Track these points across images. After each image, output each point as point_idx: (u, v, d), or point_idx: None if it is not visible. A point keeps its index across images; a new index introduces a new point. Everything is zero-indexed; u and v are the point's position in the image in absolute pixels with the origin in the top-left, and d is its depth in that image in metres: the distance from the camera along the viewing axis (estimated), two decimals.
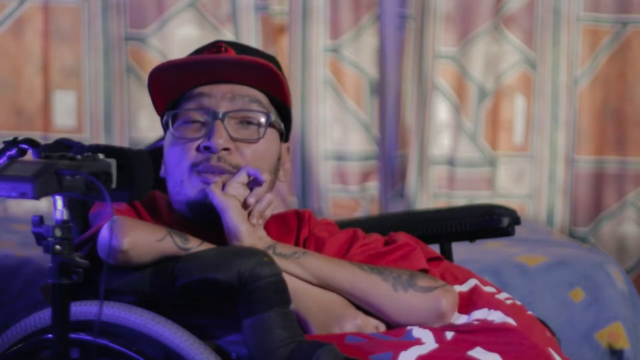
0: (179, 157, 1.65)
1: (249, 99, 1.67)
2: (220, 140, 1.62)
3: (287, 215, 1.79)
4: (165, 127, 1.70)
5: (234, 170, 1.63)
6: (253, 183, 1.63)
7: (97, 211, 1.69)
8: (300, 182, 3.69)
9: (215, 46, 1.71)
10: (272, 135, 1.69)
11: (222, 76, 1.67)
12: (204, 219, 1.64)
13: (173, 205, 1.68)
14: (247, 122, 1.66)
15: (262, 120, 1.67)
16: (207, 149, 1.63)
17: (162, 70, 1.66)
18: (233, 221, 1.59)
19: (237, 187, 1.61)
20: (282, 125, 1.72)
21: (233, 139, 1.64)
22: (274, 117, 1.69)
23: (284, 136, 1.74)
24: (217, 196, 1.59)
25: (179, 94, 1.69)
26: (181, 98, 1.69)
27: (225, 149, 1.63)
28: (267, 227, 1.70)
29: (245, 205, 1.61)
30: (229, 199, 1.59)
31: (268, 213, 1.64)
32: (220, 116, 1.64)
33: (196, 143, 1.64)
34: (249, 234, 1.59)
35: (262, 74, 1.67)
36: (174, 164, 1.66)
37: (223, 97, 1.66)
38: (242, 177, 1.62)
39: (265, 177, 1.62)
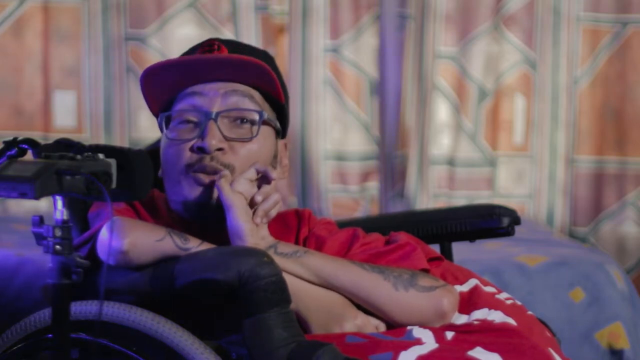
0: (174, 158, 1.65)
1: (242, 93, 1.67)
2: (213, 140, 1.62)
3: (286, 215, 1.79)
4: (160, 128, 1.70)
5: (228, 170, 1.63)
6: (261, 180, 1.63)
7: (97, 211, 1.69)
8: (300, 182, 3.69)
9: (208, 44, 1.71)
10: (266, 133, 1.68)
11: (213, 75, 1.67)
12: (199, 218, 1.64)
13: (170, 205, 1.68)
14: (240, 120, 1.66)
15: (255, 118, 1.66)
16: (201, 149, 1.62)
17: (153, 72, 1.66)
18: (237, 220, 1.59)
19: (244, 183, 1.61)
20: (277, 123, 1.72)
21: (227, 139, 1.64)
22: (267, 114, 1.68)
23: (280, 133, 1.74)
24: (225, 192, 1.59)
25: (172, 94, 1.69)
26: (175, 98, 1.69)
27: (219, 149, 1.63)
28: (267, 226, 1.70)
29: (251, 202, 1.61)
30: (236, 196, 1.59)
31: (273, 212, 1.63)
32: (213, 116, 1.64)
33: (190, 144, 1.64)
34: (251, 233, 1.59)
35: (253, 72, 1.66)
36: (169, 164, 1.66)
37: (215, 95, 1.65)
38: (251, 174, 1.62)
39: (275, 175, 1.62)
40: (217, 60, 1.66)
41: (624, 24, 3.75)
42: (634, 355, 2.84)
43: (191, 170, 1.63)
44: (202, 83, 1.67)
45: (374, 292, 1.60)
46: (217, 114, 1.64)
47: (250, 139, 1.65)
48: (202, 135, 1.63)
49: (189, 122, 1.66)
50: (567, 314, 2.83)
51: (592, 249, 3.44)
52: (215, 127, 1.63)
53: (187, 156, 1.64)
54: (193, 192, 1.62)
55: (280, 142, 1.73)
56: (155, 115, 1.72)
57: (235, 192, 1.60)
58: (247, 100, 1.67)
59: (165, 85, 1.67)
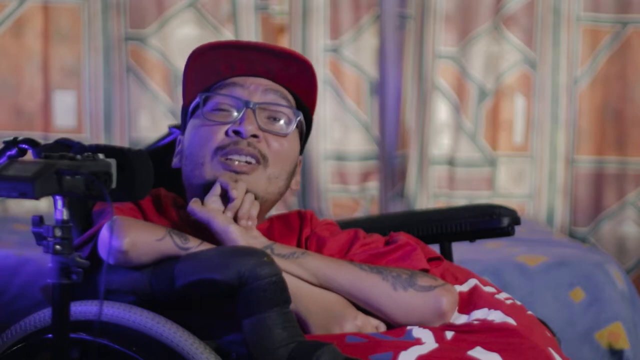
0: (204, 140, 1.66)
1: (281, 95, 1.70)
2: (250, 126, 1.65)
3: (289, 216, 1.80)
4: (189, 114, 1.72)
5: (261, 159, 1.65)
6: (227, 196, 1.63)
7: (101, 209, 1.69)
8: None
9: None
10: (295, 136, 1.72)
11: (258, 69, 1.70)
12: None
13: (187, 191, 1.69)
14: (275, 118, 1.69)
15: (292, 117, 1.70)
16: (237, 133, 1.65)
17: (203, 52, 1.69)
18: (220, 226, 1.59)
19: (214, 200, 1.62)
20: (305, 131, 1.75)
21: (262, 129, 1.66)
22: (301, 116, 1.71)
23: (301, 148, 1.76)
24: (198, 211, 1.60)
25: (210, 83, 1.71)
26: (211, 87, 1.71)
27: (254, 136, 1.65)
28: (270, 227, 1.71)
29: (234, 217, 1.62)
30: (210, 209, 1.61)
31: (254, 212, 1.64)
32: (251, 105, 1.66)
33: (225, 127, 1.66)
34: (240, 233, 1.59)
35: (300, 71, 1.70)
36: (197, 146, 1.67)
37: (256, 89, 1.69)
38: (216, 190, 1.63)
39: (235, 194, 1.61)
40: (274, 52, 1.70)
41: (624, 24, 3.75)
42: (634, 355, 2.84)
43: (221, 153, 1.64)
44: (244, 76, 1.69)
45: (373, 293, 1.60)
46: (256, 104, 1.67)
47: (284, 135, 1.68)
48: (239, 121, 1.65)
49: (225, 109, 1.68)
50: (567, 314, 2.83)
51: (592, 249, 3.44)
52: (252, 115, 1.66)
53: (220, 138, 1.66)
54: (217, 174, 1.63)
55: (299, 157, 1.75)
56: (186, 101, 1.73)
57: (209, 207, 1.60)
58: (284, 99, 1.71)
59: (208, 70, 1.70)
